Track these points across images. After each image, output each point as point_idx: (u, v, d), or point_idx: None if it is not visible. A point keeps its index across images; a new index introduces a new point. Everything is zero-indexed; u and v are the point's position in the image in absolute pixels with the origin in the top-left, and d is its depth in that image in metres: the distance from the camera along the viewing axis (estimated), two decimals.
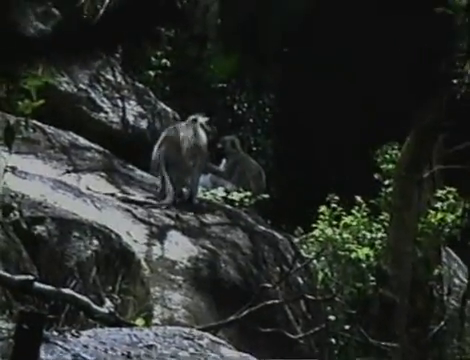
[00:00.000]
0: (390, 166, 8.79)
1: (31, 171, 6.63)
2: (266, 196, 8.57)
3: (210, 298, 6.46)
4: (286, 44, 10.58)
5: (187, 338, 4.39)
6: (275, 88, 10.88)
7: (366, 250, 8.08)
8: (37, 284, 4.67)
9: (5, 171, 5.78)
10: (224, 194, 8.12)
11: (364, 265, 8.06)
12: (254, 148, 10.79)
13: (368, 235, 8.28)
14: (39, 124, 7.44)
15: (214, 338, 4.61)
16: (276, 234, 7.52)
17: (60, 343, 3.96)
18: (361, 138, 10.09)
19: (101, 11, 8.50)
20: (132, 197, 7.11)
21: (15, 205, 5.39)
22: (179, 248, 6.69)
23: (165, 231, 6.83)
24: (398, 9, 10.18)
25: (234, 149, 8.95)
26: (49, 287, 4.76)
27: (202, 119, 7.60)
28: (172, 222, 6.95)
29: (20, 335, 2.63)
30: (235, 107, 10.87)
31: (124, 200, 7.00)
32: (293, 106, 10.89)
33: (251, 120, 10.91)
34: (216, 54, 10.42)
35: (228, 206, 7.78)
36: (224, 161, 8.91)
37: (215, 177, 8.66)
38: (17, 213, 5.35)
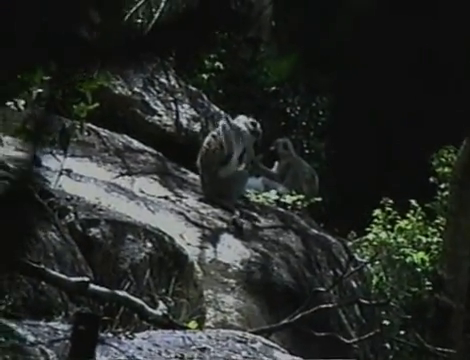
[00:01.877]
0: (446, 169, 8.67)
1: (86, 174, 6.69)
2: (319, 199, 8.52)
3: (263, 301, 6.44)
4: (346, 46, 10.51)
5: (240, 341, 4.38)
6: (331, 90, 10.81)
7: (421, 254, 7.98)
8: (92, 286, 4.70)
9: (60, 174, 5.84)
10: (277, 197, 8.08)
11: (419, 270, 7.96)
12: (307, 151, 10.73)
13: (423, 239, 8.17)
14: (94, 127, 7.51)
15: (267, 342, 4.59)
16: (329, 237, 7.47)
17: (115, 345, 3.98)
18: (417, 141, 9.98)
19: (156, 15, 8.55)
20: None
21: (70, 207, 5.44)
22: (232, 251, 6.69)
23: (218, 234, 6.83)
24: (455, 11, 10.05)
25: (286, 151, 8.91)
26: (104, 289, 4.79)
27: (245, 119, 7.55)
28: (225, 225, 6.95)
29: (77, 336, 2.65)
30: (288, 110, 10.83)
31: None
32: (349, 108, 10.82)
33: (304, 123, 10.86)
34: (271, 56, 10.40)
35: (281, 209, 7.75)
36: (277, 164, 8.88)
37: (267, 180, 8.63)
38: (72, 215, 5.40)
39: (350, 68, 10.68)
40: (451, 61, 10.25)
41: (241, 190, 7.53)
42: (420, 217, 8.33)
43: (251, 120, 7.63)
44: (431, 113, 10.32)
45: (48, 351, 3.78)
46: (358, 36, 10.17)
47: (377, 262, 7.98)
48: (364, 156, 10.81)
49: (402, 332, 7.55)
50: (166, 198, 7.14)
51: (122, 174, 7.43)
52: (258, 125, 7.69)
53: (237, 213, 7.06)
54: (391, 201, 8.34)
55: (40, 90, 6.05)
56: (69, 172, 6.06)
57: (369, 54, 10.56)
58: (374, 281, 7.89)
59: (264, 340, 4.58)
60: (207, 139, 7.56)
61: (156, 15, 8.68)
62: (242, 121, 7.60)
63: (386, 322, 7.44)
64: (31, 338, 3.83)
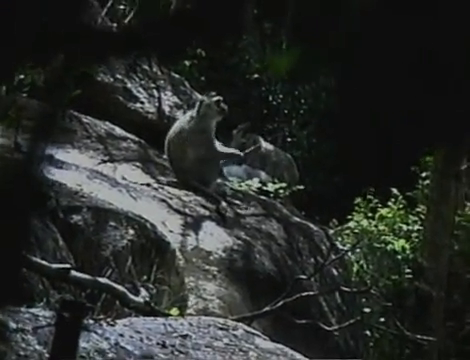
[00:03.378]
0: (427, 158, 8.72)
1: (68, 160, 6.67)
2: (301, 187, 8.55)
3: (244, 289, 6.46)
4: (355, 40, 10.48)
5: (222, 328, 4.39)
6: (332, 81, 10.82)
7: (402, 242, 8.03)
8: (74, 273, 4.70)
9: (42, 160, 5.80)
10: (259, 185, 8.10)
11: (400, 257, 8.01)
12: (289, 139, 10.75)
13: (404, 227, 8.22)
14: (76, 114, 7.48)
15: (248, 329, 4.61)
16: (311, 225, 7.50)
17: (96, 331, 3.98)
18: (410, 138, 10.01)
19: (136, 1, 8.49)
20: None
21: (52, 194, 5.42)
22: (214, 239, 6.70)
23: (200, 221, 6.83)
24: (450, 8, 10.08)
25: (256, 147, 8.88)
26: (85, 276, 4.78)
27: (208, 99, 7.34)
28: (207, 212, 6.96)
29: (60, 323, 2.65)
30: (270, 98, 10.84)
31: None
32: (336, 97, 10.84)
33: (286, 111, 10.88)
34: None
35: (263, 197, 7.76)
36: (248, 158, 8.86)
37: (250, 168, 8.64)
38: (54, 202, 5.39)
39: (356, 60, 10.66)
40: (438, 58, 10.29)
41: (215, 172, 7.36)
42: (401, 205, 8.38)
43: (217, 98, 7.41)
44: (414, 103, 10.36)
45: (30, 338, 3.78)
46: (367, 29, 10.15)
47: (358, 250, 8.02)
48: (347, 144, 10.84)
49: (382, 319, 7.60)
50: (148, 185, 7.13)
51: (104, 161, 7.41)
52: (223, 104, 7.44)
53: (223, 203, 7.05)
54: (372, 189, 8.38)
55: (22, 76, 6.01)
56: (51, 158, 6.03)
57: (377, 47, 10.52)
58: (355, 269, 7.93)
59: (246, 327, 4.60)
60: (176, 123, 7.48)
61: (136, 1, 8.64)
62: (206, 102, 7.36)
63: (366, 309, 7.49)
64: (13, 325, 3.82)
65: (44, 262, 4.66)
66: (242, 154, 7.70)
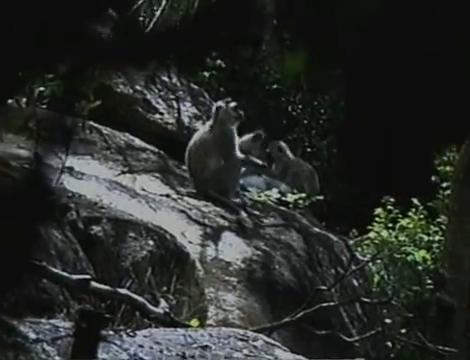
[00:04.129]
0: (448, 168, 8.66)
1: (87, 172, 6.69)
2: (321, 198, 8.52)
3: (264, 300, 6.44)
4: (362, 42, 10.45)
5: (241, 339, 4.38)
6: (337, 88, 10.79)
7: (423, 253, 7.97)
8: (94, 283, 4.70)
9: (62, 172, 5.84)
10: (278, 195, 8.08)
11: (421, 268, 7.96)
12: (308, 149, 10.73)
13: (425, 238, 8.17)
14: (95, 125, 7.51)
15: (268, 340, 4.59)
16: (331, 236, 7.47)
17: (116, 342, 3.98)
18: (421, 140, 9.97)
19: (157, 13, 8.54)
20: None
21: (72, 205, 5.44)
22: (233, 249, 6.69)
23: (219, 232, 6.83)
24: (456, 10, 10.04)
25: (281, 153, 8.88)
26: (105, 287, 4.79)
27: (224, 105, 7.33)
28: (226, 223, 6.95)
29: (80, 334, 2.65)
30: (290, 108, 10.83)
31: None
32: (353, 106, 10.80)
33: (305, 121, 10.86)
34: (273, 54, 10.37)
35: (282, 207, 7.74)
36: (274, 165, 8.85)
37: (269, 178, 8.63)
38: (74, 213, 5.40)
39: (359, 65, 10.64)
40: (452, 61, 10.23)
41: (235, 182, 7.36)
42: (422, 216, 8.33)
43: (233, 104, 7.41)
44: (434, 112, 10.31)
45: (50, 349, 3.78)
46: (371, 31, 10.11)
47: (379, 261, 7.97)
48: (367, 154, 10.80)
49: (403, 331, 7.55)
50: (167, 196, 7.14)
51: (124, 172, 7.43)
52: (240, 110, 7.43)
53: (243, 214, 7.03)
54: (392, 200, 8.34)
55: (41, 88, 6.05)
56: (71, 170, 6.06)
57: (377, 51, 10.51)
58: (375, 279, 7.89)
59: (266, 338, 4.58)
60: (197, 134, 7.48)
61: (157, 13, 8.68)
62: (224, 108, 7.35)
63: (387, 321, 7.44)
64: (33, 336, 3.83)
65: (64, 273, 4.67)
66: (262, 163, 7.71)
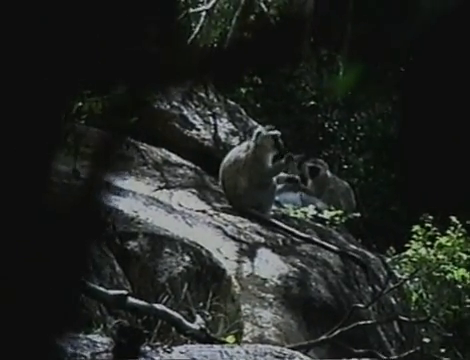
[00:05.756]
0: None
1: (124, 187, 6.72)
2: (357, 214, 8.46)
3: (300, 317, 6.40)
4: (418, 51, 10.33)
5: (278, 357, 4.34)
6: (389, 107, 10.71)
7: (462, 271, 7.87)
8: (130, 299, 4.71)
9: (105, 188, 5.85)
10: (315, 212, 8.04)
11: (460, 287, 7.85)
12: (345, 166, 10.68)
13: (464, 256, 8.06)
14: (133, 141, 7.55)
15: (305, 357, 4.55)
16: (368, 253, 7.40)
17: (153, 357, 3.97)
18: (463, 158, 9.84)
19: (196, 30, 8.56)
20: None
21: (109, 221, 5.46)
22: (269, 266, 6.66)
23: (255, 248, 6.81)
24: None
25: (319, 176, 8.83)
26: (142, 302, 4.79)
27: (265, 132, 7.38)
28: (262, 239, 6.93)
29: (118, 349, 2.65)
30: (326, 125, 10.80)
31: None
32: (403, 124, 10.71)
33: (342, 138, 10.82)
34: (316, 71, 10.33)
35: (319, 224, 7.70)
36: (310, 182, 8.82)
37: (305, 195, 8.59)
38: (111, 228, 5.42)
39: (416, 71, 10.50)
40: None
41: (271, 199, 7.40)
42: (461, 233, 8.22)
43: (274, 132, 7.45)
44: None
45: None
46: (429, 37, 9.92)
47: (417, 279, 7.88)
48: (404, 171, 10.69)
49: (442, 350, 7.45)
50: (204, 212, 7.14)
51: (160, 188, 7.45)
52: (280, 139, 7.48)
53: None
54: (431, 217, 8.25)
55: (80, 104, 6.09)
56: (108, 185, 6.08)
57: (435, 56, 10.34)
58: (414, 298, 7.80)
59: (302, 356, 4.54)
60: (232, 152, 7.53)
61: (196, 29, 8.71)
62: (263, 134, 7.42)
63: (426, 340, 7.34)
64: (71, 351, 3.83)
65: (101, 288, 4.68)
66: (292, 175, 7.74)
